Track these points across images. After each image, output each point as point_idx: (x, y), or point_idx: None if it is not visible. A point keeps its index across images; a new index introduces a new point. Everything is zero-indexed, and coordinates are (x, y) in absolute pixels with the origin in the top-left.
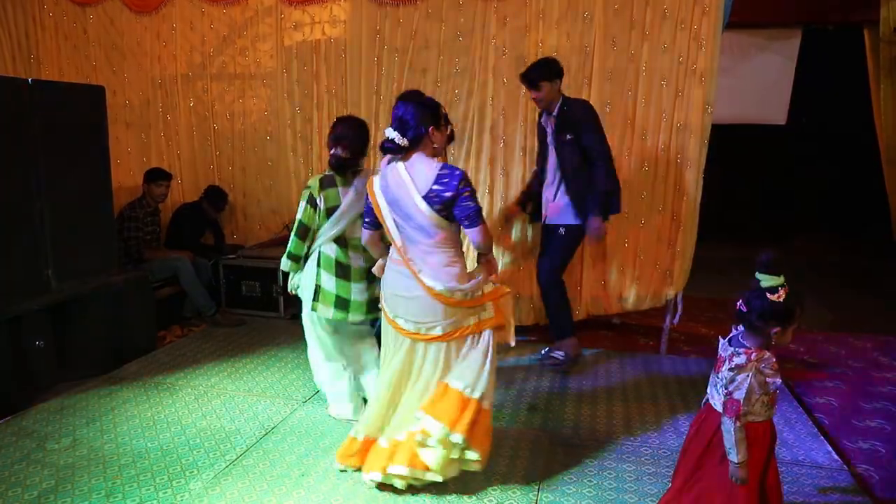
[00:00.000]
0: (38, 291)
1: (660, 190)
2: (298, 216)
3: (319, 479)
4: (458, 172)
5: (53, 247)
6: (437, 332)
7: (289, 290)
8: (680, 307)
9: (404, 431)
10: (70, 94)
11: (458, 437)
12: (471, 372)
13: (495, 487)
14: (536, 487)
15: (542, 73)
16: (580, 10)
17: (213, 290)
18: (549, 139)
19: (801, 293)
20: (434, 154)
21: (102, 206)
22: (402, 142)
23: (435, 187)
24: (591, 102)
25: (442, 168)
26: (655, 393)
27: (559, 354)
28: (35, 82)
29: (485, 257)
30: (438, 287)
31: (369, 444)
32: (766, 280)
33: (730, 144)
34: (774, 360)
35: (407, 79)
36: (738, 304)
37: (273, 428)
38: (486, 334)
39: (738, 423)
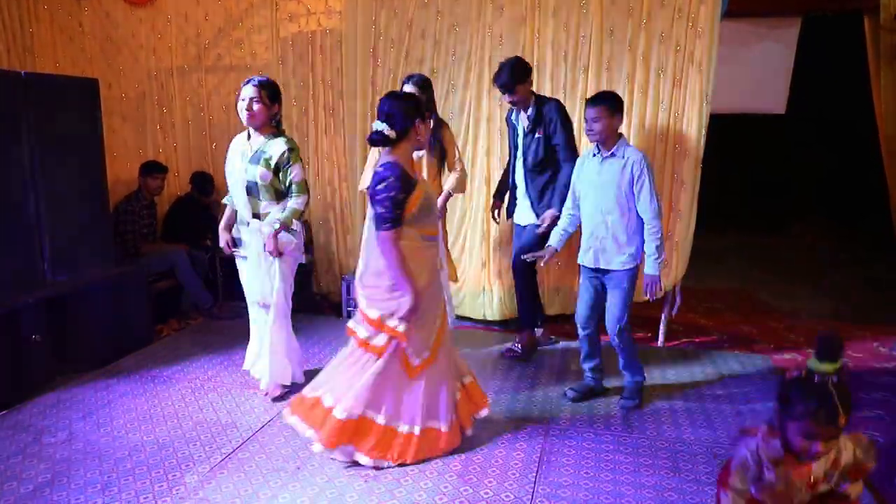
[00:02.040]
0: (34, 285)
1: (657, 180)
2: (305, 176)
3: (315, 472)
4: (385, 173)
5: (49, 240)
6: (350, 323)
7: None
8: (678, 298)
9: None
10: (64, 87)
11: (316, 446)
12: (338, 383)
13: (492, 479)
14: (533, 478)
15: (517, 77)
16: (577, 0)
17: (210, 283)
18: (520, 135)
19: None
20: (419, 147)
21: (98, 199)
22: (391, 133)
23: (372, 183)
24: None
25: (381, 165)
26: (653, 384)
27: (517, 346)
28: (28, 75)
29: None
30: (357, 284)
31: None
32: (811, 361)
33: (727, 132)
34: (782, 454)
35: (403, 69)
36: None
37: (269, 421)
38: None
39: (728, 495)
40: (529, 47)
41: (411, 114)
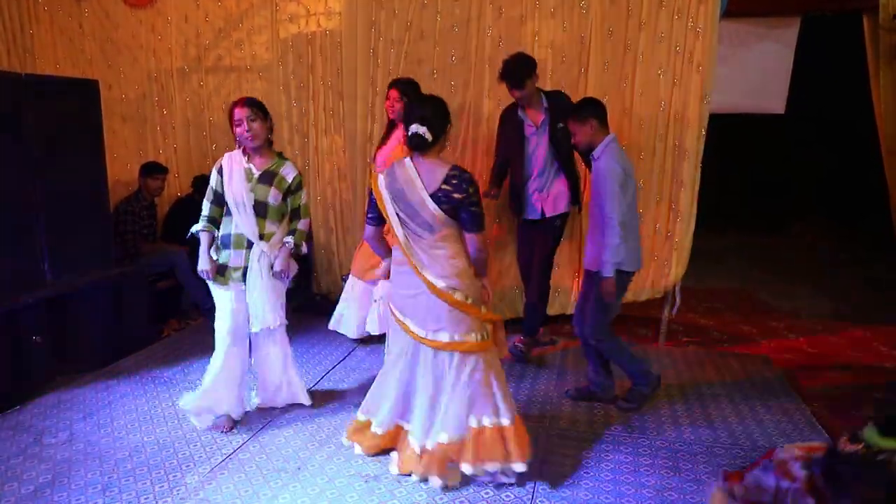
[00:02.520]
0: (35, 286)
1: (657, 180)
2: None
3: (315, 472)
4: (467, 175)
5: (49, 241)
6: (443, 338)
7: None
8: (678, 298)
9: (433, 442)
10: (64, 88)
11: (520, 467)
12: (487, 401)
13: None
14: (534, 479)
15: (525, 71)
16: (576, 0)
17: None
18: (534, 131)
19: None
20: (442, 150)
21: (98, 200)
22: (429, 137)
23: (444, 187)
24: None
25: (452, 169)
26: None
27: (521, 346)
28: (29, 76)
29: (480, 278)
30: (440, 284)
31: (392, 436)
32: (870, 434)
33: (727, 132)
34: None
35: (403, 70)
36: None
37: (269, 422)
38: (488, 357)
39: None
40: (529, 48)
41: (445, 116)
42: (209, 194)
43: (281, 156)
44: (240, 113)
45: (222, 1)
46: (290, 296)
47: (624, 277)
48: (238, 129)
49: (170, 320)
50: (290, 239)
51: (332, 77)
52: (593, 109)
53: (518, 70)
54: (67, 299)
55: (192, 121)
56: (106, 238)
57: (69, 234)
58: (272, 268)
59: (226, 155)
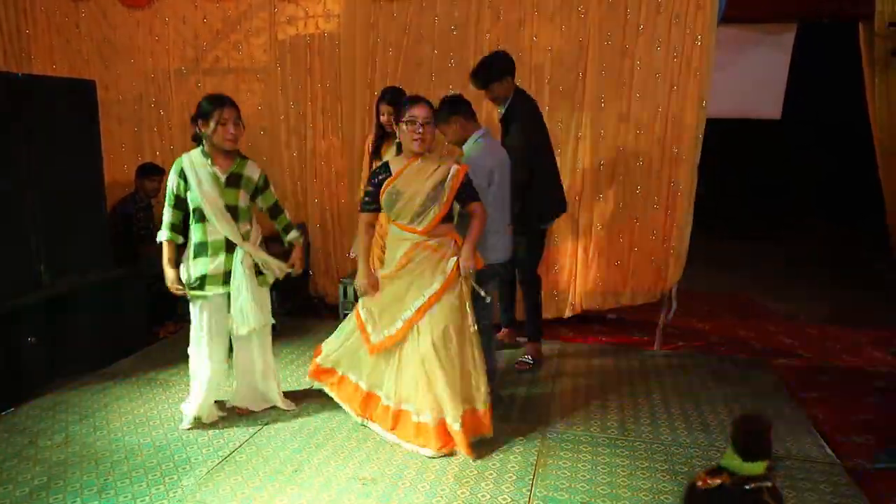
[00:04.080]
0: (31, 287)
1: (654, 185)
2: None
3: (312, 474)
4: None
5: (45, 242)
6: None
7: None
8: (675, 302)
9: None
10: (61, 89)
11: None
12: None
13: (489, 482)
14: (530, 482)
15: (490, 75)
16: (574, 5)
17: None
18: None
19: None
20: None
21: (95, 201)
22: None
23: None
24: (534, 100)
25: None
26: (650, 388)
27: (528, 359)
28: (25, 77)
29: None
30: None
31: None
32: (731, 461)
33: (726, 136)
34: None
35: (402, 73)
36: None
37: (266, 424)
38: None
39: None
40: (527, 52)
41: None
42: (170, 198)
43: (241, 155)
44: (230, 113)
45: (220, 2)
46: (290, 297)
47: (487, 269)
48: (222, 129)
49: (166, 322)
50: (294, 235)
51: (330, 79)
52: (455, 107)
53: (483, 73)
54: (64, 301)
55: (189, 122)
56: (102, 239)
57: (66, 236)
58: (256, 268)
59: (184, 157)
